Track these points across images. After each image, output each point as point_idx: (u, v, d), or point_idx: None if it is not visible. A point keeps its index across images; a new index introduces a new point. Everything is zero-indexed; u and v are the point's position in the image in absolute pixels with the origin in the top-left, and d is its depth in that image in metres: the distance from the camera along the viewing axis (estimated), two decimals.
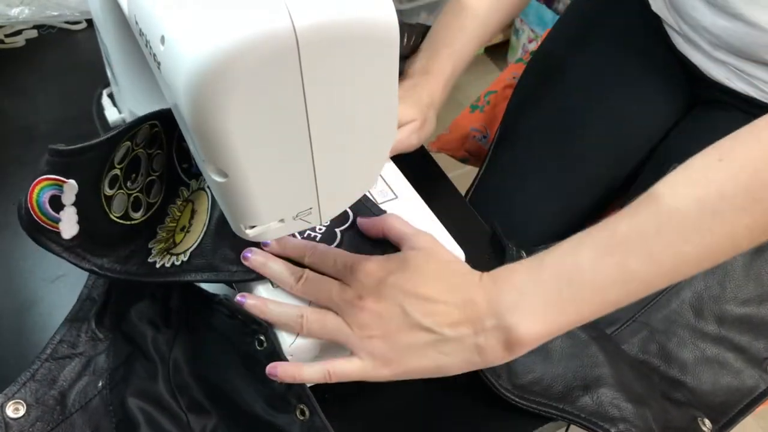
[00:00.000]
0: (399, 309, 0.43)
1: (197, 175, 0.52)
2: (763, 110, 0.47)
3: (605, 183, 0.79)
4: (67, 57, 0.81)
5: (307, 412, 0.44)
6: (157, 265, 0.48)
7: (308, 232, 0.50)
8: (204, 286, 0.50)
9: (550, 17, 1.72)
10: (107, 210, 0.46)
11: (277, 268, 0.47)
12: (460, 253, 0.52)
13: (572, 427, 0.53)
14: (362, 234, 0.51)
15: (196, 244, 0.48)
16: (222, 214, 0.48)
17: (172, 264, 0.48)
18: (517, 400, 0.49)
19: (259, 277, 0.47)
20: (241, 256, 0.47)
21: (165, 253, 0.49)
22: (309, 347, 0.46)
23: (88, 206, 0.44)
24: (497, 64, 2.05)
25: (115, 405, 0.47)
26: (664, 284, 0.41)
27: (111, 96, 0.67)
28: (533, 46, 1.81)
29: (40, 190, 0.40)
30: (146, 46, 0.34)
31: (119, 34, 0.51)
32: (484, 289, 0.43)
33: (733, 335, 0.58)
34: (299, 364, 0.44)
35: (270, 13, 0.29)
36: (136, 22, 0.35)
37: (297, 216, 0.40)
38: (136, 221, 0.49)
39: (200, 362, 0.49)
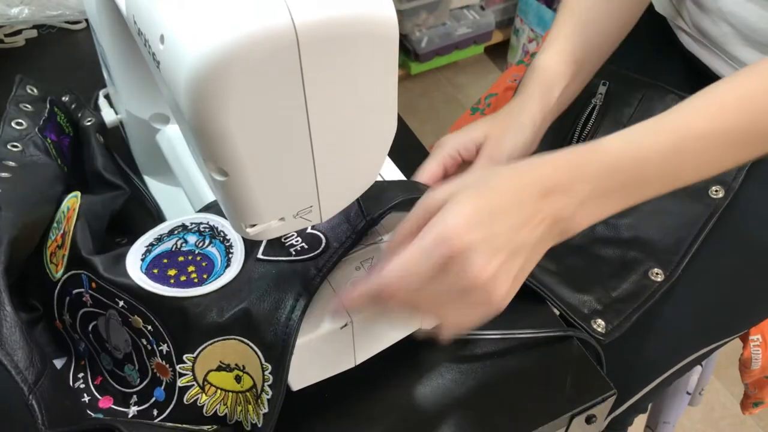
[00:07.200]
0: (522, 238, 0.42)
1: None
2: None
3: None
4: (67, 57, 0.81)
5: None
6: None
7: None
8: None
9: (550, 17, 1.72)
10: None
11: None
12: None
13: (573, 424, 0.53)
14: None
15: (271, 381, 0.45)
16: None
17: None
18: None
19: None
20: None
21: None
22: (310, 347, 0.46)
23: None
24: (497, 64, 2.06)
25: None
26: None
27: (107, 97, 0.67)
28: (533, 46, 1.82)
29: None
30: (145, 45, 0.34)
31: (115, 35, 0.51)
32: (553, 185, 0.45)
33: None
34: None
35: (270, 10, 0.29)
36: (135, 22, 0.35)
37: (297, 214, 0.40)
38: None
39: None
